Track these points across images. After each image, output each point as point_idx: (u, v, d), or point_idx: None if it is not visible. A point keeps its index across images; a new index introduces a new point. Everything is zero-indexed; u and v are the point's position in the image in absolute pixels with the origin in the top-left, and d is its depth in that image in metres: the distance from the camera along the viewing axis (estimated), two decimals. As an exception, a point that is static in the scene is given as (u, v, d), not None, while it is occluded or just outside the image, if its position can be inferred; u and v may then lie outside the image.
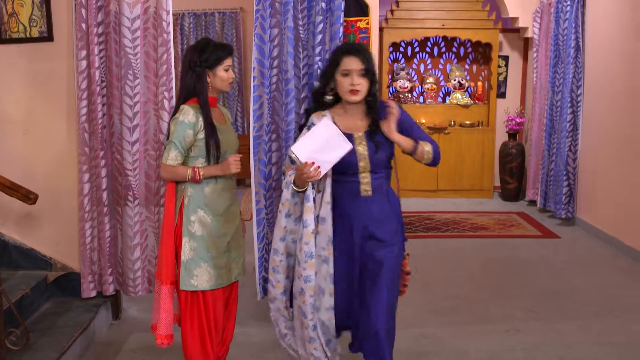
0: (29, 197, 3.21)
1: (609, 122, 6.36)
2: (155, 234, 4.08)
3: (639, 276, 5.35)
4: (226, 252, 3.19)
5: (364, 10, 4.02)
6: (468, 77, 8.83)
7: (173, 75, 3.93)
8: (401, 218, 3.18)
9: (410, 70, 8.91)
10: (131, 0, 3.79)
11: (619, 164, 6.17)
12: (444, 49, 8.88)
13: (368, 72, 3.00)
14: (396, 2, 8.48)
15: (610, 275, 5.40)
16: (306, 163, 2.88)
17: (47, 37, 3.95)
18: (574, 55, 6.88)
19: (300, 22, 3.97)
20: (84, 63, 3.87)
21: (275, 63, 3.97)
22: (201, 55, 3.08)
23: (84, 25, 3.83)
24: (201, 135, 3.07)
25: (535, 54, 7.74)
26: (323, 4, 3.89)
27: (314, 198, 3.02)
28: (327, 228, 3.01)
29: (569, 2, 6.87)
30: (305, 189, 2.99)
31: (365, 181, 3.02)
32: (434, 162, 3.09)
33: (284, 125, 3.90)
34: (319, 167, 2.89)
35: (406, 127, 3.10)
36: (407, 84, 8.73)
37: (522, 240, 6.50)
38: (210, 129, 3.06)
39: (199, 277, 3.11)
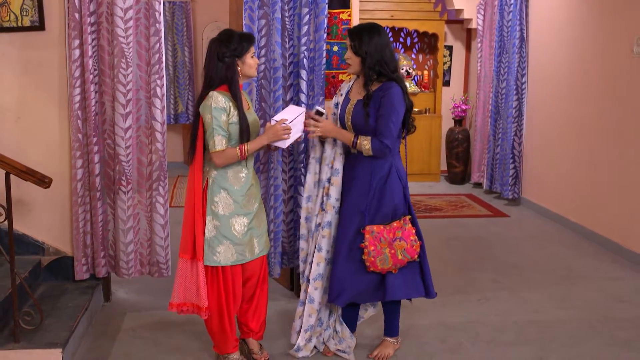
0: (44, 181, 3.30)
1: (552, 108, 6.83)
2: (147, 217, 4.22)
3: (585, 249, 5.83)
4: (249, 229, 3.39)
5: (345, 3, 4.26)
6: (415, 66, 9.19)
7: (164, 64, 4.09)
8: None
9: (360, 59, 9.19)
10: (124, -10, 3.91)
11: (562, 146, 6.65)
12: (392, 39, 9.20)
13: None
14: (346, -7, 8.73)
15: (560, 248, 5.86)
16: None
17: (39, 26, 4.01)
18: (518, 45, 7.31)
19: (287, 14, 4.17)
20: (77, 52, 3.97)
21: (263, 52, 4.17)
22: (229, 46, 3.26)
23: (77, 15, 3.92)
24: (232, 120, 3.26)
25: (479, 44, 8.15)
26: (308, -4, 4.11)
27: None
28: None
29: (513, -5, 7.31)
30: None
31: None
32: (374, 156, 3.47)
33: (271, 112, 4.11)
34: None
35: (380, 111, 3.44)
36: (357, 73, 9.01)
37: (475, 219, 6.91)
38: (241, 113, 3.26)
39: (221, 254, 3.32)
